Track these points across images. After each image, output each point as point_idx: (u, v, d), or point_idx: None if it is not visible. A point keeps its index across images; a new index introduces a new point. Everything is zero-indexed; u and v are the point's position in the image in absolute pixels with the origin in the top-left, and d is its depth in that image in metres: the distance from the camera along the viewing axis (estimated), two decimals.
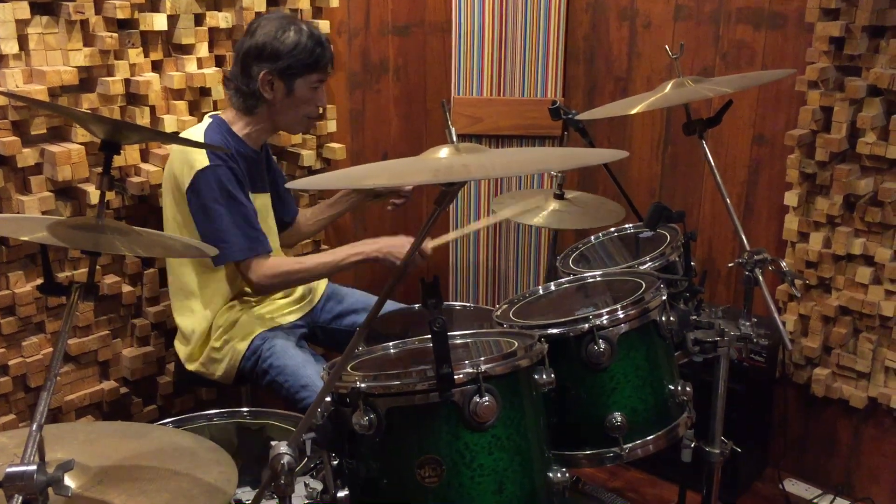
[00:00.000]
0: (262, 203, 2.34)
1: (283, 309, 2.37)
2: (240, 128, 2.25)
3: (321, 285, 2.52)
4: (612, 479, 2.93)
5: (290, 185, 1.25)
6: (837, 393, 2.71)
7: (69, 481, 1.32)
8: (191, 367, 2.30)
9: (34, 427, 1.08)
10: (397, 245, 2.21)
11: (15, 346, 2.28)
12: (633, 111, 1.85)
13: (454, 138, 1.32)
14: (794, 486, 2.84)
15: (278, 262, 2.22)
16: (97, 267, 2.38)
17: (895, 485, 2.68)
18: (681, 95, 1.89)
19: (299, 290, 2.42)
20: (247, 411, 1.96)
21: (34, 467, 1.01)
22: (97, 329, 2.43)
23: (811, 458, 2.85)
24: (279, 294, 2.36)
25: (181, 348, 2.32)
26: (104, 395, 2.47)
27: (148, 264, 2.51)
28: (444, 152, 1.28)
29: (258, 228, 2.20)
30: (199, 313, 2.26)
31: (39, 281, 2.29)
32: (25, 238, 1.19)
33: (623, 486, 2.89)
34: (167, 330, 2.56)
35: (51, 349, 2.35)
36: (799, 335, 2.75)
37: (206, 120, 2.27)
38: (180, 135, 2.23)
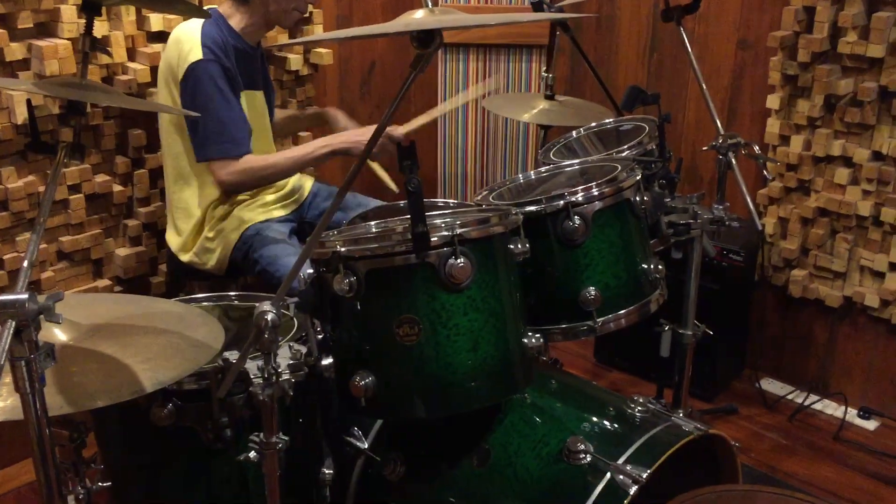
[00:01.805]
0: (256, 101, 2.38)
1: (274, 204, 2.42)
2: (236, 22, 2.28)
3: (308, 183, 2.56)
4: (595, 380, 3.02)
5: (272, 45, 1.28)
6: (814, 293, 2.78)
7: (60, 335, 1.39)
8: (184, 257, 2.36)
9: (25, 264, 1.13)
10: (366, 134, 2.24)
11: (9, 242, 2.33)
12: None
13: (430, 3, 1.35)
14: (770, 385, 2.94)
15: (244, 159, 2.24)
16: (87, 165, 2.44)
17: (867, 380, 2.77)
18: None
19: (289, 185, 2.47)
20: (235, 295, 2.01)
21: (26, 296, 1.07)
22: (89, 227, 2.48)
23: (787, 357, 2.94)
24: (270, 189, 2.41)
25: (174, 238, 2.37)
26: (98, 292, 2.53)
27: (138, 164, 2.55)
28: (419, 14, 1.32)
29: (240, 130, 2.23)
30: (194, 202, 2.32)
31: (31, 178, 2.33)
32: (10, 89, 1.22)
33: (607, 386, 2.97)
34: (158, 231, 2.61)
35: (44, 245, 2.41)
36: (778, 238, 2.82)
37: None
38: (178, 27, 2.26)
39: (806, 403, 2.82)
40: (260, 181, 2.31)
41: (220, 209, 2.33)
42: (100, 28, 2.31)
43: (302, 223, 2.51)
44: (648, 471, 1.52)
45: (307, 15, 2.75)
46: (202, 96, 2.16)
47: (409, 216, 1.48)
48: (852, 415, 2.76)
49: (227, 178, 2.22)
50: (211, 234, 2.32)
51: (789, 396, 2.87)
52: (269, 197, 2.42)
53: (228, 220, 2.32)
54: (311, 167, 2.31)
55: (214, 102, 2.17)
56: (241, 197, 2.36)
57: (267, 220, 2.35)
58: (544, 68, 2.46)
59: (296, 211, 2.49)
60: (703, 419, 2.66)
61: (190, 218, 2.32)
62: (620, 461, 1.56)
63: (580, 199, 1.72)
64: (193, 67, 2.15)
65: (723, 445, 1.74)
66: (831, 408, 2.81)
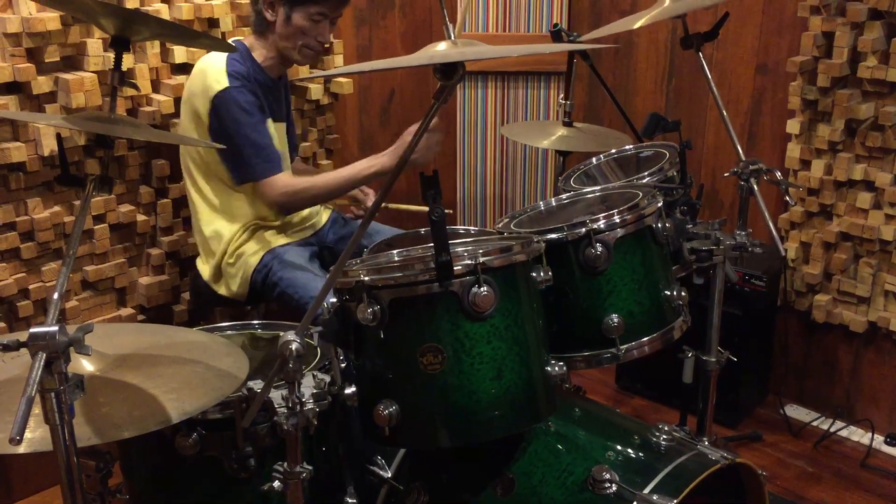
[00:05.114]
0: (280, 131, 2.41)
1: (292, 228, 2.45)
2: (259, 55, 2.32)
3: (326, 210, 2.59)
4: (617, 407, 2.99)
5: (301, 78, 1.30)
6: (838, 318, 2.75)
7: (87, 366, 1.41)
8: (215, 286, 2.39)
9: (55, 295, 1.14)
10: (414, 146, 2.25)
11: (35, 271, 2.36)
12: (636, 25, 1.89)
13: (451, 34, 1.36)
14: (794, 411, 2.90)
15: (295, 179, 2.28)
16: (112, 195, 2.47)
17: (893, 406, 2.74)
18: (679, 7, 1.92)
19: (305, 210, 2.49)
20: (258, 323, 2.02)
21: (56, 328, 1.08)
22: (114, 257, 2.51)
23: (812, 383, 2.90)
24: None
25: (205, 266, 2.41)
26: (121, 321, 2.55)
27: (162, 194, 2.58)
28: (441, 46, 1.33)
29: (276, 149, 2.27)
30: (224, 230, 2.35)
31: (57, 208, 2.36)
32: (42, 124, 1.24)
33: (629, 413, 2.95)
34: (181, 259, 2.64)
35: (70, 275, 2.43)
36: (800, 263, 2.80)
37: None
38: (203, 58, 2.29)
39: (832, 430, 2.78)
40: (311, 199, 2.33)
41: (244, 234, 2.35)
42: (125, 61, 2.34)
43: (322, 248, 2.53)
44: (675, 501, 1.50)
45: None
46: (232, 122, 2.20)
47: (431, 244, 1.48)
48: (879, 441, 2.72)
49: (280, 198, 2.25)
50: (231, 260, 2.35)
51: (814, 423, 2.83)
52: (288, 221, 2.44)
53: (248, 244, 2.35)
54: (358, 187, 2.35)
55: (245, 127, 2.20)
56: (262, 222, 2.39)
57: (287, 244, 2.38)
58: (562, 95, 2.47)
59: (314, 235, 2.52)
60: (729, 447, 2.63)
61: (221, 242, 2.36)
62: (647, 490, 1.54)
63: (602, 226, 1.72)
64: (221, 95, 2.19)
65: (749, 474, 1.72)
66: (857, 434, 2.78)
